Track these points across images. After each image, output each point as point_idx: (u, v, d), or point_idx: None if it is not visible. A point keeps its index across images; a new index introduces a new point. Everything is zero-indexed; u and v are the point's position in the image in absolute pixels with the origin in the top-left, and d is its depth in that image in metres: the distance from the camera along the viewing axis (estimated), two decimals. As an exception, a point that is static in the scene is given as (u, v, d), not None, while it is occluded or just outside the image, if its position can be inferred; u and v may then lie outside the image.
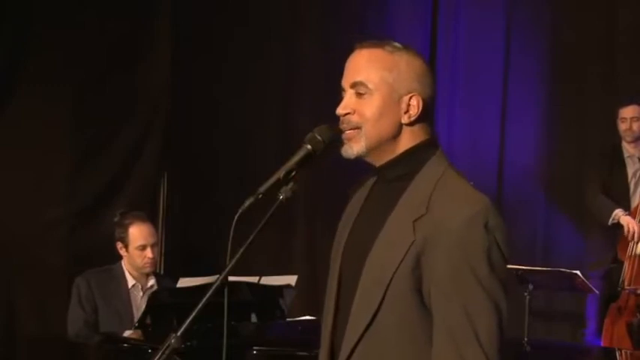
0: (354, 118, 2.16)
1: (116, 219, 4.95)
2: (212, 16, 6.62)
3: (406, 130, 2.17)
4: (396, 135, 2.16)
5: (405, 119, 2.16)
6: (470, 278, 2.01)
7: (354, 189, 2.33)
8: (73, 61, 5.99)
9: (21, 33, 5.90)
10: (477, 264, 2.02)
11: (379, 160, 2.20)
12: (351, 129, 2.16)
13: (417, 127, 2.18)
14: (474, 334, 2.00)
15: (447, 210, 2.05)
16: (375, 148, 2.16)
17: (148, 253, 4.82)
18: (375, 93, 2.15)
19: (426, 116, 2.18)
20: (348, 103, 2.17)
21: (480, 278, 2.02)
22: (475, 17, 6.94)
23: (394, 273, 2.06)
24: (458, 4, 7.02)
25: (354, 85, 2.17)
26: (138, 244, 4.82)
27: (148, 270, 4.87)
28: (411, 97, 2.16)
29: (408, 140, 2.17)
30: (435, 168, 2.15)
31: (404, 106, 2.16)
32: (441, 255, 2.03)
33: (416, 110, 2.16)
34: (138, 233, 4.84)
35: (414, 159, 2.16)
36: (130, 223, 4.87)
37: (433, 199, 2.08)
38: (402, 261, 2.06)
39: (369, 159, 2.20)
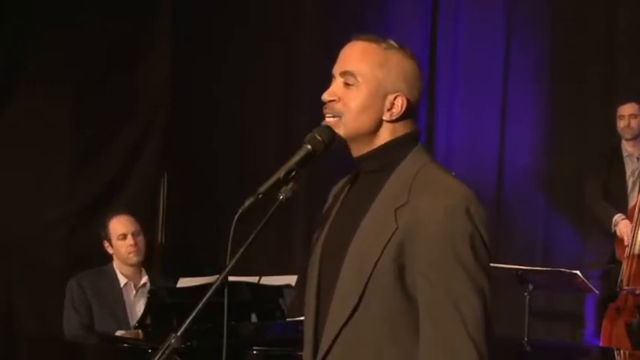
0: (338, 106, 2.18)
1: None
2: (212, 16, 6.62)
3: (387, 127, 2.19)
4: (376, 130, 2.19)
5: (386, 116, 2.18)
6: (454, 265, 2.03)
7: (336, 187, 2.34)
8: (73, 61, 5.99)
9: (21, 33, 5.90)
10: (461, 250, 2.03)
11: (358, 151, 2.21)
12: (332, 116, 2.19)
13: (398, 125, 2.20)
14: (460, 321, 2.01)
15: (428, 199, 2.07)
16: (352, 139, 2.19)
17: (130, 240, 4.93)
18: (363, 86, 2.17)
19: (409, 116, 2.20)
20: (334, 90, 2.20)
21: (464, 264, 2.03)
22: (475, 17, 6.94)
23: (377, 261, 2.07)
24: (458, 4, 7.02)
25: (343, 74, 2.19)
26: (119, 234, 4.95)
27: (133, 259, 4.93)
28: (396, 97, 2.18)
29: (387, 135, 2.19)
30: (415, 160, 2.17)
31: (388, 103, 2.18)
32: (425, 243, 2.04)
33: (399, 110, 2.18)
34: (117, 224, 4.99)
35: (392, 152, 2.18)
36: (109, 219, 5.03)
37: (414, 188, 2.10)
38: (384, 248, 2.06)
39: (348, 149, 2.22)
